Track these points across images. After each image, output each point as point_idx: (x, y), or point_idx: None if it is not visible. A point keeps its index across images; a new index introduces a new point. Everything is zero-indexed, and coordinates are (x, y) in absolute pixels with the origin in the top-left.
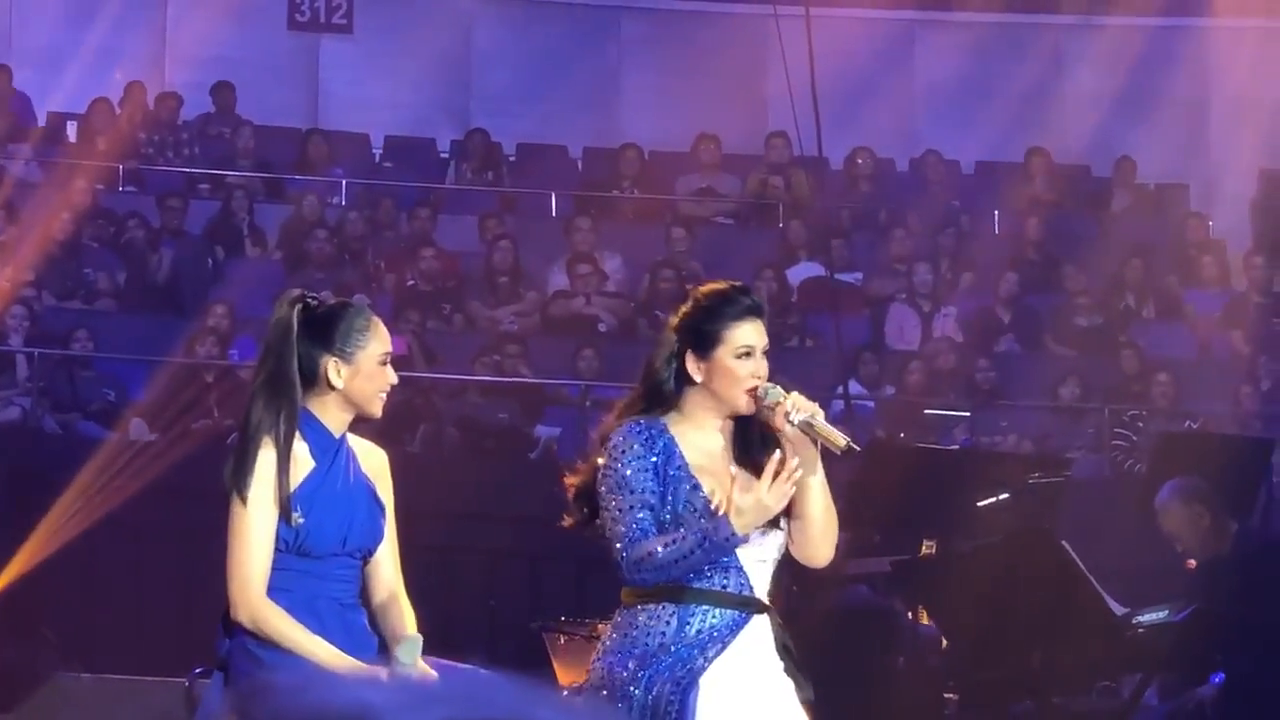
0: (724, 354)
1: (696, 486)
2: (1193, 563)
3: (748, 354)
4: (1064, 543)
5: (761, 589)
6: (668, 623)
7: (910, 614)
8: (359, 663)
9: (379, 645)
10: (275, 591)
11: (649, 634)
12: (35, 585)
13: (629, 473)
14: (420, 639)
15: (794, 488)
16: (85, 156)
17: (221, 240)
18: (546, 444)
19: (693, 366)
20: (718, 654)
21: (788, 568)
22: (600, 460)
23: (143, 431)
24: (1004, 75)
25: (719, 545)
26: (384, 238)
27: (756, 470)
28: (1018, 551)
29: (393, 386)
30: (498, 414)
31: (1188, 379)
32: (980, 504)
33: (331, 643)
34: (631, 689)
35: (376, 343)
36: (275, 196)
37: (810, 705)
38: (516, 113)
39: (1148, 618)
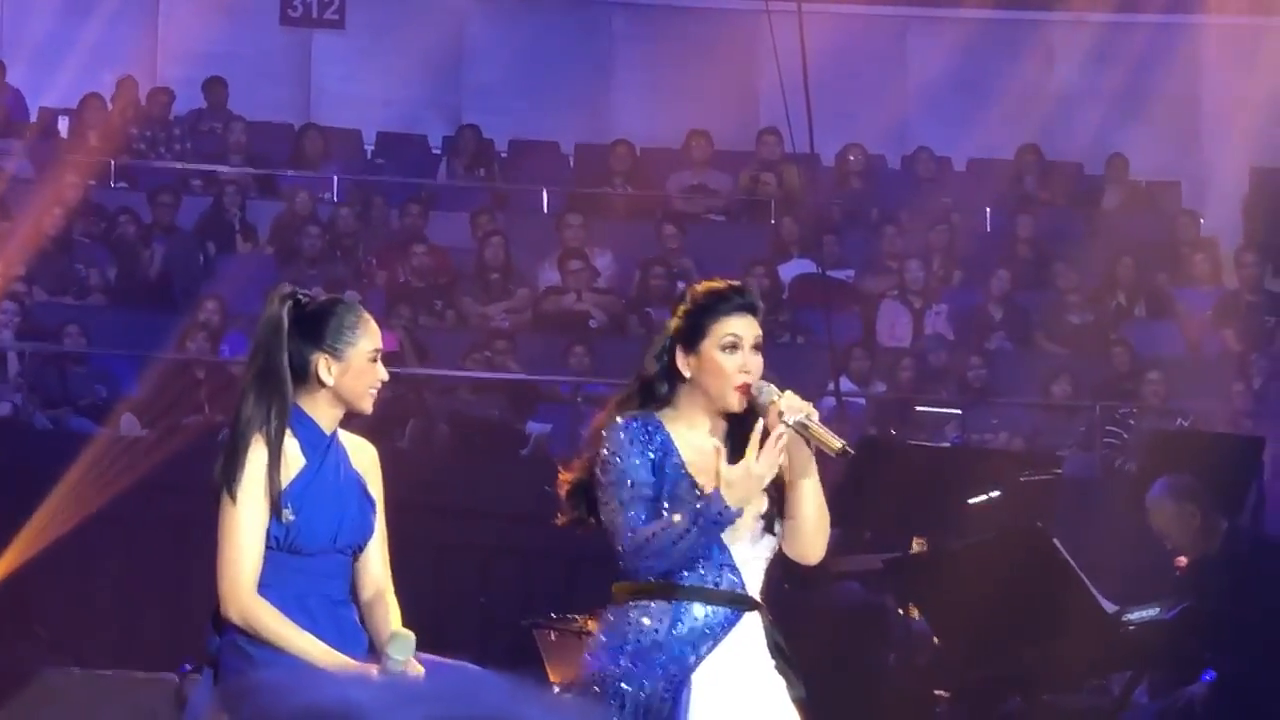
0: (709, 346)
1: (693, 484)
2: (1183, 560)
3: (734, 346)
4: (1055, 540)
5: (754, 586)
6: (660, 620)
7: (901, 611)
8: (350, 659)
9: (369, 642)
10: (266, 588)
11: (641, 631)
12: (25, 581)
13: (628, 466)
14: (412, 636)
15: (783, 455)
16: (77, 152)
17: (213, 236)
18: (538, 440)
19: (682, 362)
20: (709, 651)
21: (779, 565)
22: (600, 453)
23: (134, 427)
24: (996, 72)
25: (713, 520)
26: (376, 234)
27: None
28: (1009, 549)
29: (383, 383)
30: (489, 410)
31: (1179, 377)
32: (971, 502)
33: (322, 639)
34: (623, 686)
35: (367, 339)
36: (267, 192)
37: (802, 703)
38: (508, 109)
39: (1138, 615)
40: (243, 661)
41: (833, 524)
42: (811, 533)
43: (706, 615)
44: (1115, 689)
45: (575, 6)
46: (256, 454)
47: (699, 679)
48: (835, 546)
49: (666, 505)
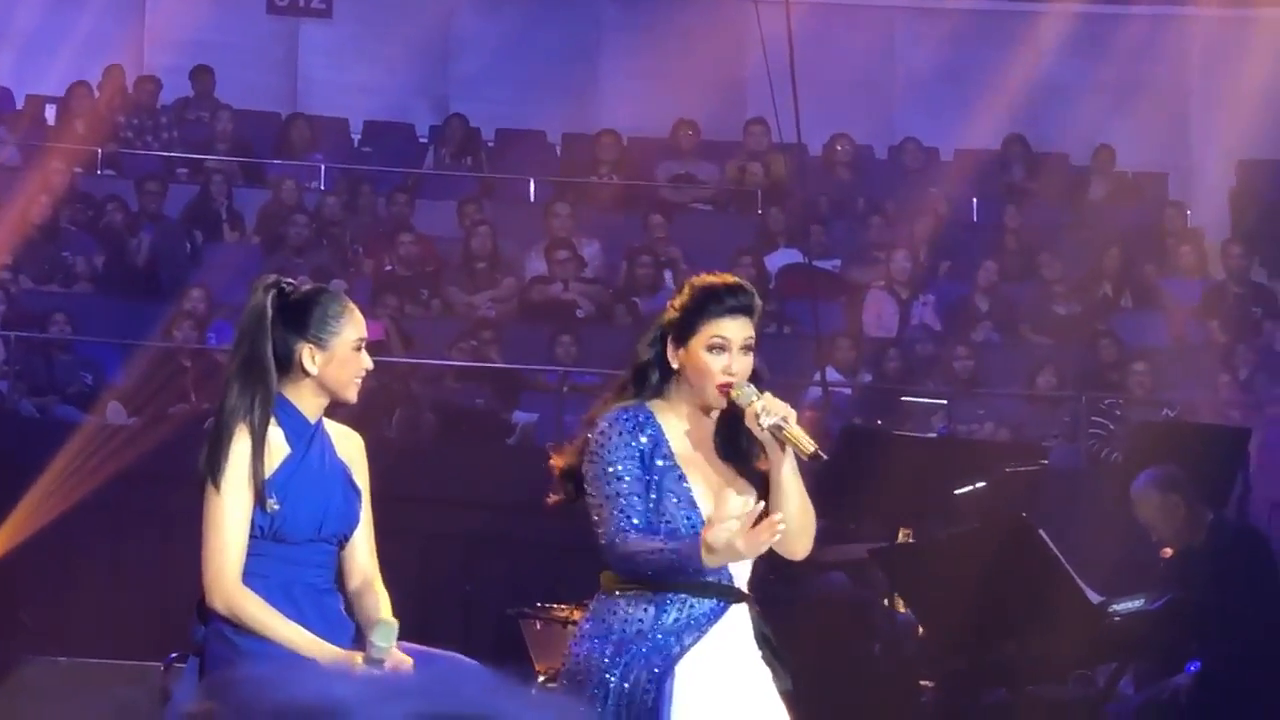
0: (697, 345)
1: (681, 476)
2: (1168, 551)
3: (721, 348)
4: (1040, 531)
5: (740, 578)
6: (645, 610)
7: (887, 602)
8: (335, 648)
9: (354, 630)
10: (251, 577)
11: (627, 621)
12: (11, 569)
13: (615, 458)
14: (396, 624)
15: (776, 537)
16: (64, 140)
17: (200, 224)
18: (524, 429)
19: (672, 354)
20: (695, 642)
21: (765, 557)
22: (590, 441)
23: (120, 415)
24: (984, 63)
25: (688, 571)
26: (362, 222)
27: (742, 461)
28: (994, 540)
29: (368, 372)
30: (475, 399)
31: (1165, 368)
32: (957, 492)
33: (308, 628)
34: (608, 676)
35: (351, 328)
36: (254, 181)
37: (788, 694)
38: (495, 98)
39: (1123, 606)
40: (228, 650)
41: (819, 515)
42: (796, 530)
43: (693, 606)
44: (1100, 680)
45: None
46: (241, 443)
47: (683, 669)
48: (821, 537)
49: (653, 499)
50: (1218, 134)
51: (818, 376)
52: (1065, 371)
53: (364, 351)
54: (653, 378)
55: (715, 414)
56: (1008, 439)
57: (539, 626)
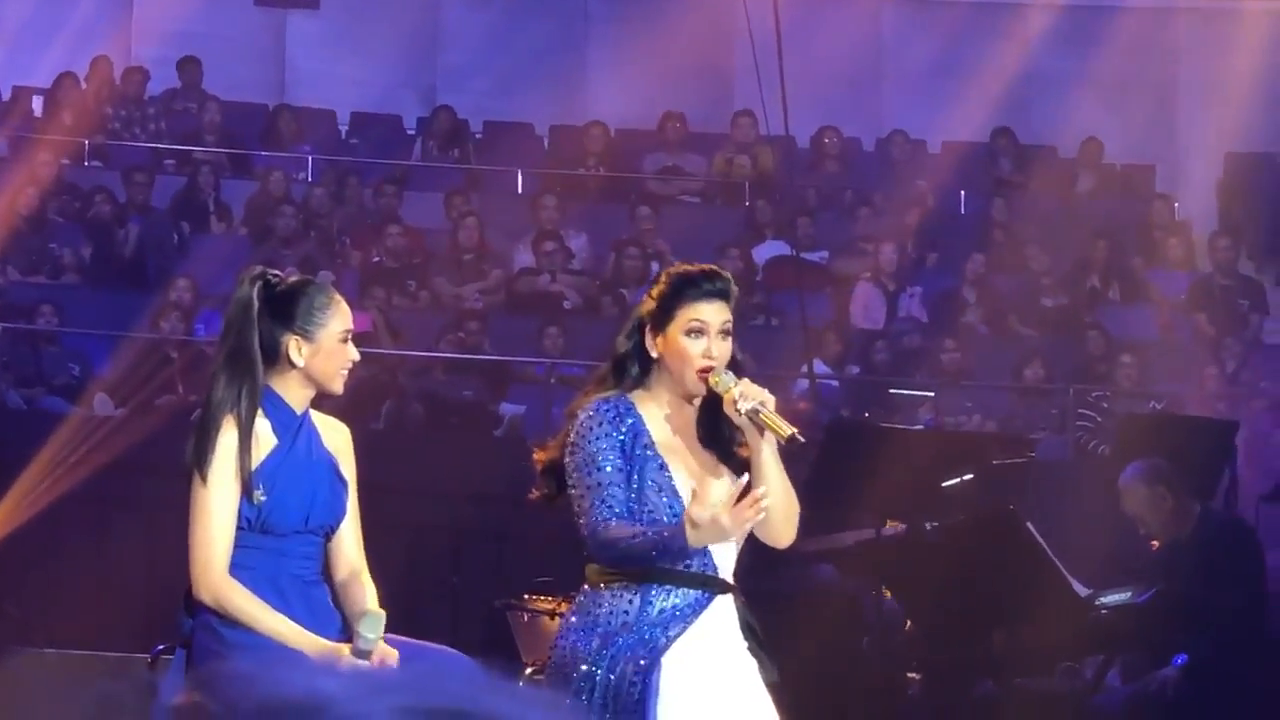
0: (675, 330)
1: (663, 466)
2: (1156, 544)
3: (699, 331)
4: (1028, 523)
5: (726, 569)
6: (630, 601)
7: (874, 594)
8: (322, 640)
9: (341, 622)
10: (238, 569)
11: (612, 613)
12: None
13: (596, 450)
14: (383, 615)
15: (760, 514)
16: (51, 131)
17: (187, 216)
18: (511, 421)
19: (650, 343)
20: (680, 633)
21: (750, 548)
22: (571, 434)
23: (107, 407)
24: (971, 55)
25: (673, 552)
26: (350, 214)
27: (723, 449)
28: (982, 532)
29: (355, 363)
30: (462, 391)
31: (1152, 360)
32: (944, 484)
33: (294, 620)
34: (594, 669)
35: (338, 320)
36: (241, 172)
37: (774, 686)
38: (482, 90)
39: (1111, 599)
40: (215, 642)
41: (806, 507)
42: (780, 518)
43: (678, 598)
44: (1088, 672)
45: None
46: (227, 435)
47: (669, 661)
48: (808, 529)
49: (635, 489)
50: (1205, 127)
51: (805, 369)
52: (1053, 364)
53: (350, 343)
54: (632, 369)
55: (696, 403)
56: (995, 431)
57: (526, 619)
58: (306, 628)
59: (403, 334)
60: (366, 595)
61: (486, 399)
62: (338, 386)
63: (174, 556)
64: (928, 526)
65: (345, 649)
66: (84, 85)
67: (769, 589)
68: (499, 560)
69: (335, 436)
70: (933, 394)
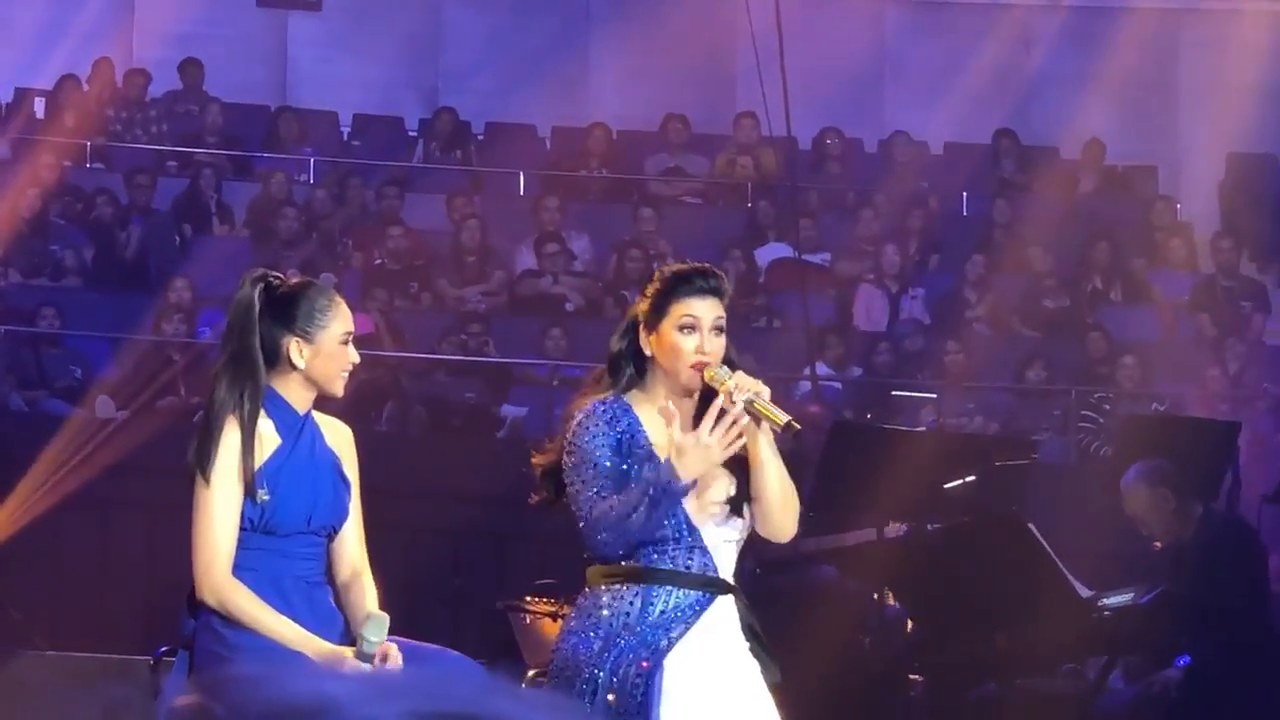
0: (668, 326)
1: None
2: (1159, 545)
3: (691, 327)
4: (1030, 525)
5: (726, 570)
6: (631, 603)
7: (876, 595)
8: (325, 643)
9: (344, 624)
10: (241, 570)
11: (613, 614)
12: None
13: (592, 449)
14: (386, 618)
15: (739, 434)
16: (53, 133)
17: (189, 217)
18: (513, 423)
19: (644, 341)
20: (681, 634)
21: (751, 550)
22: (568, 436)
23: (109, 409)
24: (973, 56)
25: (665, 490)
26: (351, 216)
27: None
28: (984, 533)
29: (355, 365)
30: (464, 393)
31: (1154, 361)
32: (947, 486)
33: (297, 621)
34: (596, 670)
35: (338, 322)
36: (243, 174)
37: (777, 687)
38: (484, 91)
39: (1113, 600)
40: (217, 644)
41: (808, 508)
42: (779, 511)
43: (679, 599)
44: (1090, 674)
45: None
46: (230, 436)
47: (671, 662)
48: (810, 530)
49: (634, 486)
50: (1207, 127)
51: (807, 370)
52: (1055, 365)
53: (351, 345)
54: (627, 369)
55: (690, 402)
56: (997, 433)
57: (528, 620)
58: (309, 629)
59: (404, 336)
60: (368, 596)
61: (488, 401)
62: (338, 389)
63: (176, 558)
64: (930, 528)
65: (349, 652)
66: (86, 87)
67: (771, 589)
68: (501, 562)
69: (337, 436)
70: (935, 395)
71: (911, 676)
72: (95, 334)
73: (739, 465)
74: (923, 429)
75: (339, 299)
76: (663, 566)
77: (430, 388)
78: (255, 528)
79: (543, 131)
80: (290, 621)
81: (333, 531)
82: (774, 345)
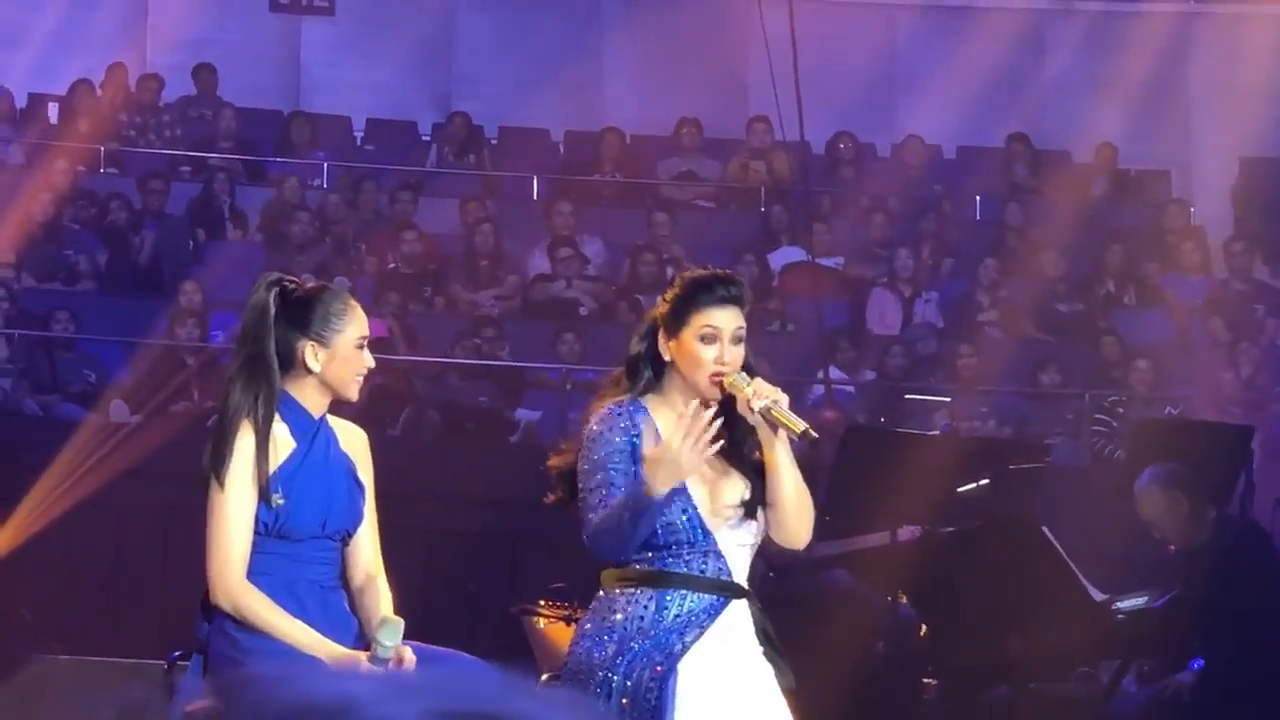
0: (688, 335)
1: None
2: (1172, 549)
3: (712, 338)
4: (1044, 529)
5: (740, 574)
6: (645, 607)
7: (890, 599)
8: (339, 647)
9: (358, 628)
10: (255, 575)
11: (627, 618)
12: (14, 567)
13: (606, 455)
14: (402, 622)
15: (708, 448)
16: (67, 138)
17: (203, 222)
18: (527, 427)
19: (663, 346)
20: (696, 639)
21: (764, 554)
22: (583, 438)
23: (123, 413)
24: (985, 60)
25: (643, 502)
26: (365, 220)
27: (735, 452)
28: (997, 537)
29: (370, 370)
30: (478, 397)
31: (1168, 365)
32: (960, 490)
33: (311, 625)
34: (610, 674)
35: (353, 327)
36: (256, 179)
37: (791, 691)
38: (497, 95)
39: (1127, 604)
40: (232, 648)
41: (822, 512)
42: (795, 517)
43: (693, 603)
44: (1104, 677)
45: None
46: (245, 441)
47: (685, 666)
48: (824, 534)
49: (620, 497)
50: (1220, 131)
51: (821, 374)
52: (1068, 369)
53: (366, 350)
54: (645, 372)
55: (710, 407)
56: (1011, 436)
57: (542, 625)
58: (323, 633)
59: (418, 340)
60: (382, 600)
61: (502, 405)
62: (353, 393)
63: (191, 563)
64: (943, 531)
65: (363, 656)
66: (100, 93)
67: (784, 594)
68: (515, 566)
69: (352, 440)
70: (948, 399)
71: (925, 680)
72: (109, 338)
73: (754, 470)
74: (936, 433)
75: (354, 303)
76: (677, 570)
77: (444, 392)
78: (270, 532)
79: (556, 136)
80: (304, 625)
81: (347, 536)
82: (787, 349)
